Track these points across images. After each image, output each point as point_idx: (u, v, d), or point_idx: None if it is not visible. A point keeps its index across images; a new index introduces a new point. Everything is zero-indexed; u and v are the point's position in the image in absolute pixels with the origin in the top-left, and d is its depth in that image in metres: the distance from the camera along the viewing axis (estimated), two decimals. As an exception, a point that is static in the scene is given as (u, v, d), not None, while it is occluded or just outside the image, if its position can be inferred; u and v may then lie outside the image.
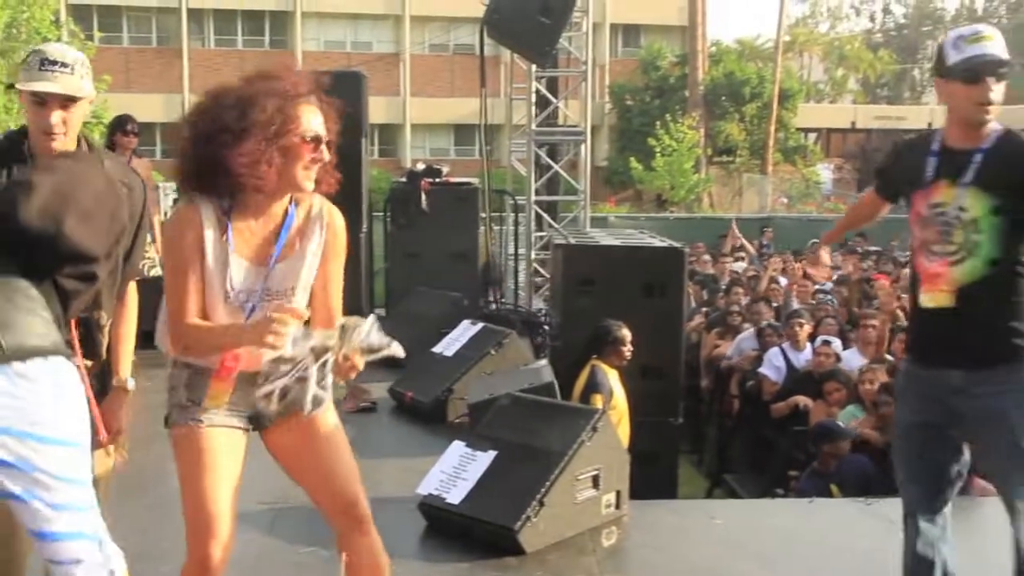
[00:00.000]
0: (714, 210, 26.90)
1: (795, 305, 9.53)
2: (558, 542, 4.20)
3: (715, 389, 9.10)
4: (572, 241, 7.89)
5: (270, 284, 2.66)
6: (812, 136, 35.71)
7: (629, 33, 36.85)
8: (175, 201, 5.78)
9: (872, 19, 55.02)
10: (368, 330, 2.49)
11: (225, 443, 2.68)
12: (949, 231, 3.01)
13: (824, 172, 33.16)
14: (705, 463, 9.15)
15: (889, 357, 7.30)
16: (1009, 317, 3.01)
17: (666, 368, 7.04)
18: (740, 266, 13.49)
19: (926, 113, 39.41)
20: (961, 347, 3.05)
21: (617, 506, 4.54)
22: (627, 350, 6.13)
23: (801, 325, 8.22)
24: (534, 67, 9.58)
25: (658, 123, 27.66)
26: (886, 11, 55.23)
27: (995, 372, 3.04)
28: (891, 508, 4.70)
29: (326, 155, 2.63)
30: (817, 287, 10.63)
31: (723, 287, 11.40)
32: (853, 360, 7.64)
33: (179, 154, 2.63)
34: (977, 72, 2.94)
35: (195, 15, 33.85)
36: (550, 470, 4.20)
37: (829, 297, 10.22)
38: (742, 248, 15.29)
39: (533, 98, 9.76)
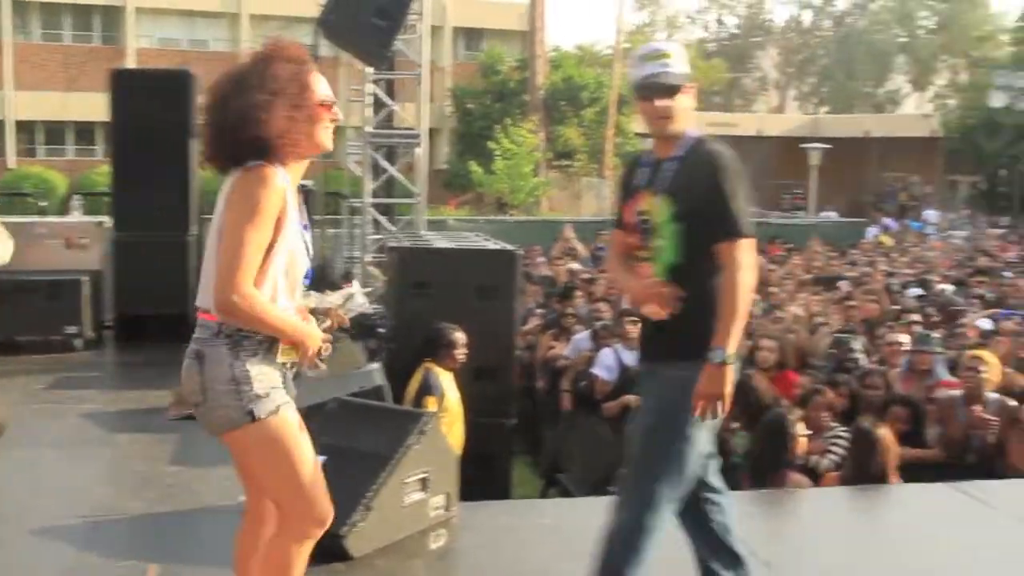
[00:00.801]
0: (553, 213, 27.25)
1: (627, 304, 9.73)
2: (386, 546, 4.17)
3: (550, 390, 9.20)
4: (407, 244, 7.87)
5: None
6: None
7: (471, 36, 37.09)
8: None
9: (706, 28, 56.81)
10: (357, 297, 2.95)
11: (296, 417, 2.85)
12: (647, 238, 3.20)
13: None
14: (540, 463, 9.24)
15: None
16: (684, 318, 3.13)
17: (500, 370, 7.08)
18: (577, 267, 13.69)
19: (756, 120, 40.99)
20: (652, 344, 3.31)
21: (446, 508, 4.54)
22: (460, 353, 6.16)
23: (633, 324, 8.40)
24: (370, 69, 9.52)
25: (498, 127, 27.86)
26: (719, 21, 57.13)
27: (668, 367, 3.19)
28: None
29: (340, 115, 2.87)
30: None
31: (558, 289, 11.55)
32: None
33: (210, 136, 2.78)
34: (648, 91, 3.16)
35: (20, 8, 32.37)
36: (377, 474, 4.17)
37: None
38: (573, 251, 15.53)
39: (370, 100, 9.69)
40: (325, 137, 2.82)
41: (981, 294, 11.89)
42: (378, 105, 9.78)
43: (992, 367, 6.81)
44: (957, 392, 6.73)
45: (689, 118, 3.20)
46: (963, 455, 6.45)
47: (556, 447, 8.94)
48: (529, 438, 9.21)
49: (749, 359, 6.75)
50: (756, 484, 5.53)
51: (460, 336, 6.16)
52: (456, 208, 27.32)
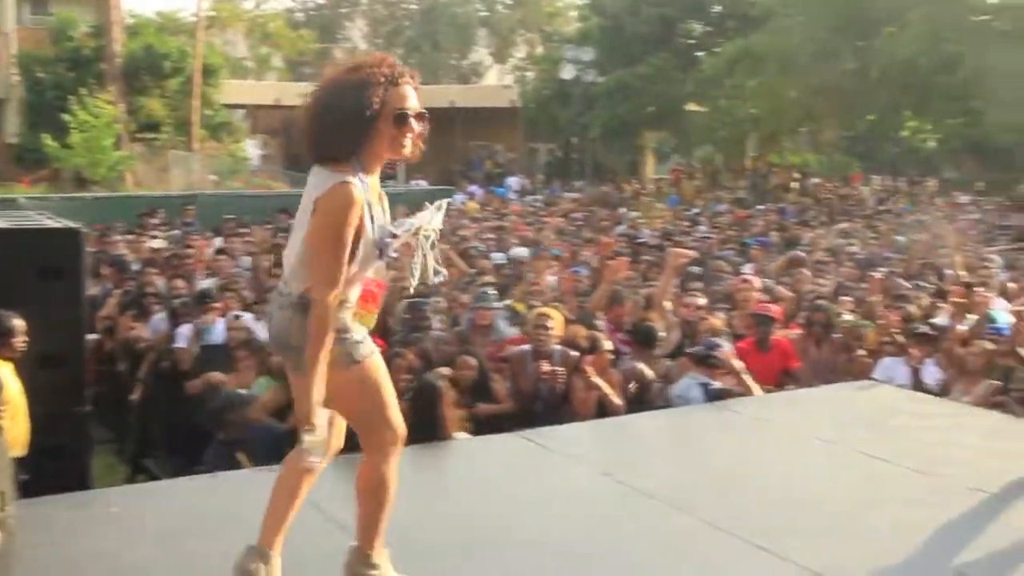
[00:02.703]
0: (139, 188, 25.98)
1: (208, 282, 9.53)
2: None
3: (132, 373, 8.82)
4: (-42, 226, 7.18)
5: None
6: (239, 113, 35.80)
7: (38, 0, 34.29)
8: None
9: (293, -1, 56.23)
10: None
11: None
12: None
13: (251, 148, 33.44)
14: (125, 450, 8.85)
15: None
16: None
17: (67, 356, 6.63)
18: (159, 244, 13.16)
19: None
20: None
21: (1, 509, 4.23)
22: (20, 341, 5.71)
23: (212, 300, 8.24)
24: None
25: (73, 97, 26.08)
26: (308, -9, 56.78)
27: None
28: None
29: (426, 126, 3.28)
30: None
31: (137, 268, 11.07)
32: (265, 332, 7.80)
33: (312, 138, 3.21)
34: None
35: None
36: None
37: (242, 270, 10.36)
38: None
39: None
40: (409, 145, 3.24)
41: (557, 254, 12.81)
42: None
43: (557, 322, 7.34)
44: (526, 347, 7.20)
45: None
46: (533, 405, 6.92)
47: (140, 431, 8.62)
48: (113, 425, 8.80)
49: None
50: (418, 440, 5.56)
51: (19, 323, 5.72)
52: (30, 186, 25.29)
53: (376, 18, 55.46)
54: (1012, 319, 8.08)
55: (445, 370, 6.40)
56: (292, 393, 3.39)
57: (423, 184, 25.31)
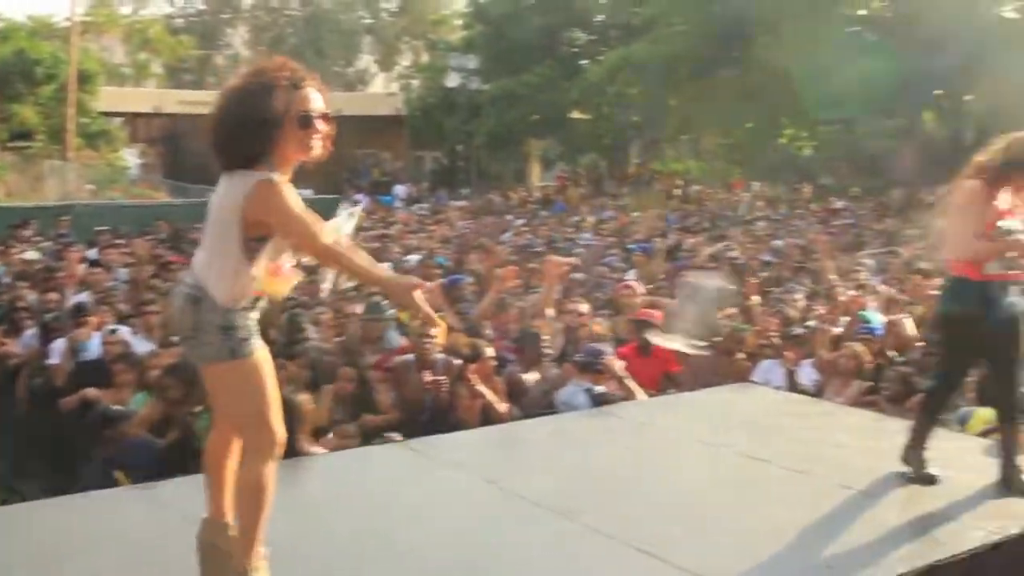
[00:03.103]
0: (11, 199, 25.11)
1: (82, 296, 9.27)
2: None
3: (3, 391, 8.51)
4: None
5: None
6: (117, 121, 34.91)
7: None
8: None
9: (172, 3, 55.07)
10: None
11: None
12: None
13: (129, 157, 32.66)
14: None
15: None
16: None
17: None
18: (32, 256, 12.73)
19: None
20: None
21: None
22: None
23: (87, 314, 8.02)
24: None
25: (-62, 104, 25.13)
26: (186, -2, 55.69)
27: None
28: (170, 491, 4.80)
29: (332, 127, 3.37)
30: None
31: (8, 281, 10.69)
32: (142, 346, 7.63)
33: (221, 146, 3.28)
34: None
35: None
36: None
37: (119, 282, 10.10)
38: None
39: None
40: (316, 145, 3.32)
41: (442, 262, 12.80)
42: None
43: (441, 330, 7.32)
44: (409, 356, 7.18)
45: None
46: (418, 415, 6.91)
47: (14, 452, 8.32)
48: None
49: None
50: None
51: None
52: None
53: (258, 25, 54.71)
54: (884, 319, 8.38)
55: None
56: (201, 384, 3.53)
57: (308, 193, 24.99)
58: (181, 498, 4.42)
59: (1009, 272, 4.67)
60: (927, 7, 26.37)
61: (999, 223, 4.59)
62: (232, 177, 3.27)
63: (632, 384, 6.90)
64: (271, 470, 3.43)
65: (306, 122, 3.26)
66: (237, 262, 3.28)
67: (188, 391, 6.17)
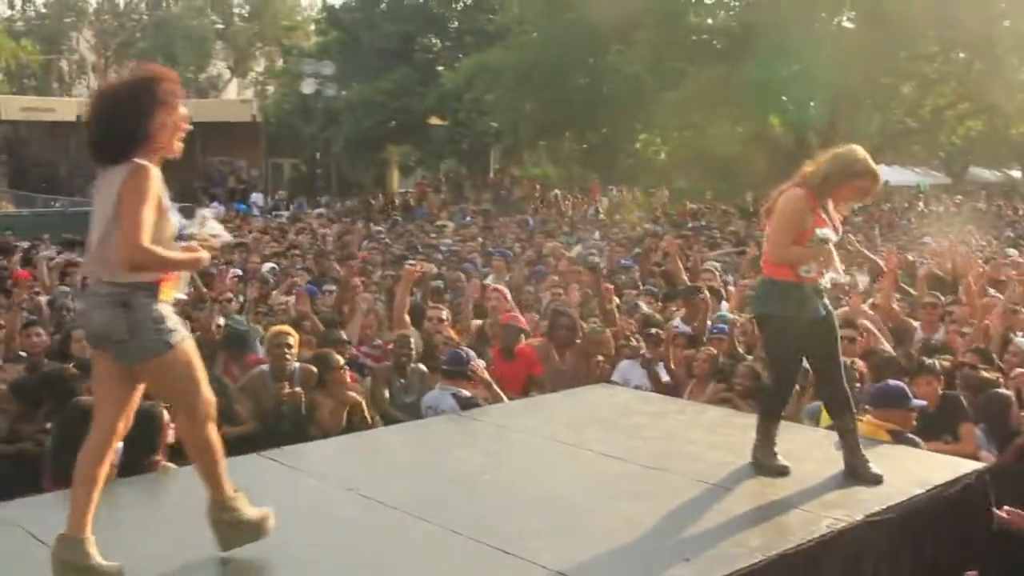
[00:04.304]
0: None
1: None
2: None
3: None
4: None
5: None
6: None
7: None
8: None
9: (12, 7, 52.96)
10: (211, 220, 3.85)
11: None
12: None
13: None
14: None
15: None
16: None
17: None
18: None
19: (76, 106, 39.17)
20: None
21: None
22: None
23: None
24: None
25: None
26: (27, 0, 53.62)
27: None
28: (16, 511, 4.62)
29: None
30: None
31: None
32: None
33: (100, 136, 3.63)
34: None
35: None
36: None
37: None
38: None
39: None
40: (178, 143, 3.76)
41: (304, 268, 12.66)
42: None
43: (296, 340, 7.25)
44: (264, 367, 7.08)
45: None
46: (277, 425, 6.81)
47: None
48: None
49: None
50: (128, 472, 5.25)
51: None
52: None
53: (104, 29, 53.04)
54: (735, 317, 8.65)
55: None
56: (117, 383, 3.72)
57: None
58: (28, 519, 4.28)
59: (821, 276, 4.93)
60: (771, 18, 27.35)
61: (816, 231, 4.84)
62: (111, 170, 3.60)
63: (496, 388, 6.97)
64: (213, 429, 3.91)
65: (176, 118, 3.71)
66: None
67: (30, 409, 5.97)
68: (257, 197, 32.23)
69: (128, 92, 3.66)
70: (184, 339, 3.71)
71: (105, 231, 3.58)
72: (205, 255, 3.78)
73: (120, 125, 3.60)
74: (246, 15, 52.74)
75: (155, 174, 3.58)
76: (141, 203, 3.50)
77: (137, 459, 5.16)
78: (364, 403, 6.94)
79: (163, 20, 51.62)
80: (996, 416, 6.65)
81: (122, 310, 3.54)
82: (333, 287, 10.68)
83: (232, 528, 3.99)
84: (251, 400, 6.91)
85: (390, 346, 7.95)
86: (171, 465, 5.57)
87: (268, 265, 13.14)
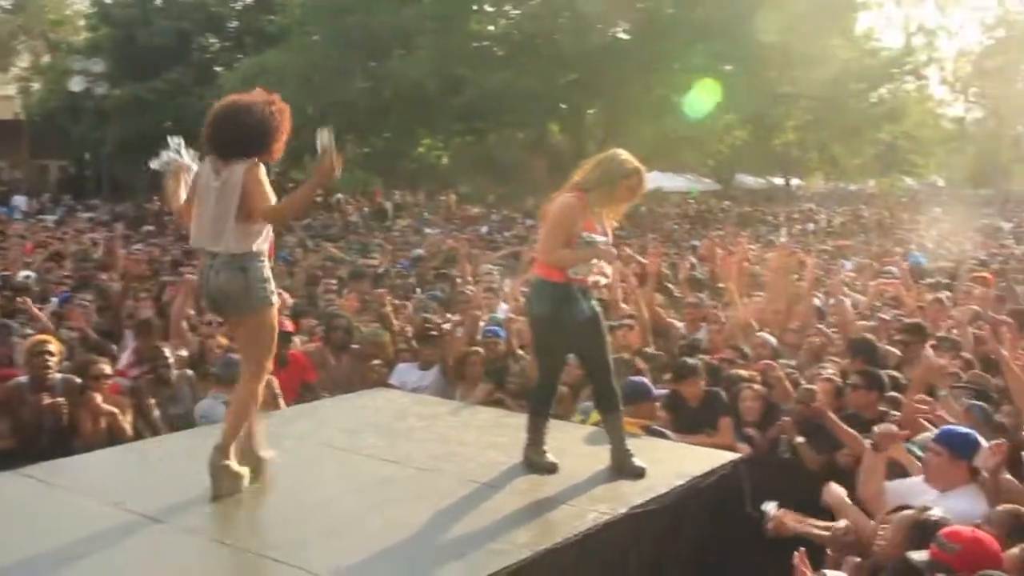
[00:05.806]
0: None
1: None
2: None
3: None
4: None
5: None
6: None
7: None
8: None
9: None
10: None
11: None
12: None
13: None
14: None
15: None
16: None
17: None
18: None
19: None
20: None
21: None
22: None
23: None
24: None
25: None
26: None
27: None
28: None
29: None
30: None
31: None
32: None
33: (228, 135, 4.81)
34: None
35: None
36: None
37: None
38: None
39: None
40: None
41: (68, 275, 12.06)
42: None
43: (59, 352, 6.90)
44: (23, 379, 6.71)
45: None
46: (36, 440, 6.46)
47: None
48: None
49: None
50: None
51: None
52: None
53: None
54: (508, 318, 8.81)
55: None
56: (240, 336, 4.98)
57: None
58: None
59: (588, 277, 5.14)
60: (549, 27, 28.01)
61: (583, 234, 5.07)
62: (232, 164, 4.73)
63: (277, 392, 6.90)
64: (263, 388, 4.92)
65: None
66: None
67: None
68: (20, 200, 30.45)
69: (255, 104, 5.01)
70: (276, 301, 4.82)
71: (219, 211, 4.71)
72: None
73: (252, 130, 4.90)
74: (8, 6, 49.73)
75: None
76: (266, 192, 4.77)
77: None
78: (129, 415, 6.71)
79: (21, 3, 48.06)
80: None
81: (241, 273, 4.60)
82: (90, 296, 10.11)
83: (220, 471, 4.75)
84: (8, 415, 6.53)
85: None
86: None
87: (24, 273, 12.38)
